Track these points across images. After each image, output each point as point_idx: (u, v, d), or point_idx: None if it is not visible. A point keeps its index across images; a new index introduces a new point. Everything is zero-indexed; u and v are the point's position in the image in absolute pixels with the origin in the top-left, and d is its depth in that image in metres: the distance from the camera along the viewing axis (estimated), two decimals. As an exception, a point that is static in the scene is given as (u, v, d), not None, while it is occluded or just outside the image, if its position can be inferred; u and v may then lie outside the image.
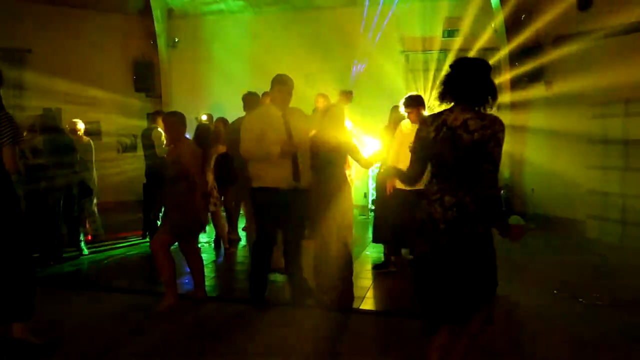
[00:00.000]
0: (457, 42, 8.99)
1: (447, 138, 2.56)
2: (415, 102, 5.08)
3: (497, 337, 3.77)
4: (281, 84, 4.25)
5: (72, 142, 6.09)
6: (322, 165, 4.27)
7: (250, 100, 5.72)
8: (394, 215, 5.18)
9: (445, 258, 2.58)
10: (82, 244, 6.25)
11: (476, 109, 2.59)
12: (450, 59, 9.03)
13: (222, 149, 6.30)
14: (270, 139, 4.11)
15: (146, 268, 5.86)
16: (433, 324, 2.70)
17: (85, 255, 6.19)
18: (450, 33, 9.09)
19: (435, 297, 2.65)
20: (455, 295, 2.60)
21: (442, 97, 2.70)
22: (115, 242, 7.00)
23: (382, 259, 5.61)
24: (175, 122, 4.29)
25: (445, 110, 2.67)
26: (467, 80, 2.62)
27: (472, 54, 8.82)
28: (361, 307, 4.41)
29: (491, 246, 2.65)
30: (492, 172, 2.50)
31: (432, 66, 9.15)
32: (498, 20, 8.55)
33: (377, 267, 5.53)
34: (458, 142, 2.52)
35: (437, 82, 9.23)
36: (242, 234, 6.87)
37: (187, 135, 4.72)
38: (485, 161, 2.49)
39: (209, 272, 5.68)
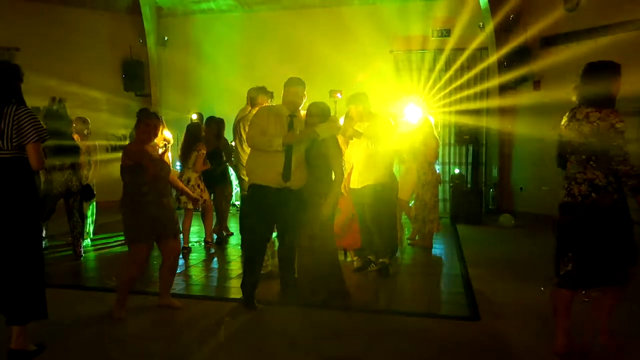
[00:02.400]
0: (446, 42, 9.07)
1: (573, 128, 3.20)
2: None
3: (483, 330, 3.83)
4: (287, 86, 4.30)
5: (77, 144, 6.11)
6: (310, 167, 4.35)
7: (255, 96, 5.41)
8: (361, 214, 5.33)
9: (582, 228, 3.17)
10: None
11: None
12: (439, 58, 9.12)
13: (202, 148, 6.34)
14: (272, 135, 4.15)
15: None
16: (571, 285, 3.27)
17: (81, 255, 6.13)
18: (439, 33, 9.15)
19: (576, 263, 3.21)
20: (593, 261, 3.17)
21: (581, 99, 3.29)
22: (105, 241, 6.99)
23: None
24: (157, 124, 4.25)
25: (576, 106, 3.31)
26: (593, 83, 3.21)
27: (459, 52, 8.93)
28: (352, 305, 4.43)
29: (626, 218, 3.17)
30: (619, 155, 3.04)
31: (421, 66, 9.22)
32: (486, 19, 8.62)
33: (357, 270, 5.46)
34: (581, 131, 3.15)
35: (428, 82, 9.35)
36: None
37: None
38: (610, 146, 3.05)
39: (199, 271, 5.68)
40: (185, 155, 6.43)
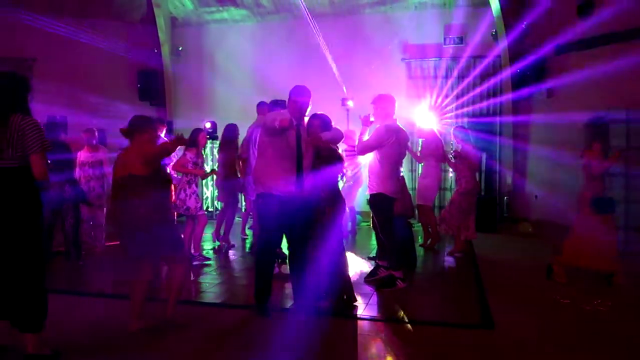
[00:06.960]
0: (459, 50, 9.06)
1: None
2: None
3: (498, 338, 3.80)
4: (293, 94, 4.31)
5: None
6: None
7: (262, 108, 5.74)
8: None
9: None
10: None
11: None
12: (451, 66, 9.11)
13: None
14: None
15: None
16: None
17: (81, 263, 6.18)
18: (452, 41, 9.14)
19: None
20: None
21: None
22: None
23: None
24: None
25: None
26: None
27: (472, 60, 8.90)
28: (364, 313, 4.42)
29: None
30: None
31: (433, 74, 9.20)
32: (499, 27, 8.60)
33: (368, 276, 5.46)
34: None
35: (440, 89, 9.35)
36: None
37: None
38: None
39: (211, 278, 5.70)
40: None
